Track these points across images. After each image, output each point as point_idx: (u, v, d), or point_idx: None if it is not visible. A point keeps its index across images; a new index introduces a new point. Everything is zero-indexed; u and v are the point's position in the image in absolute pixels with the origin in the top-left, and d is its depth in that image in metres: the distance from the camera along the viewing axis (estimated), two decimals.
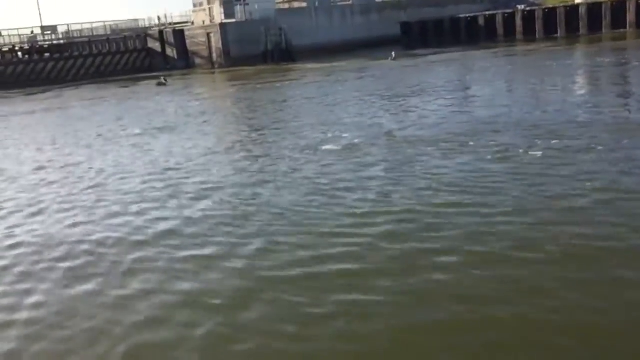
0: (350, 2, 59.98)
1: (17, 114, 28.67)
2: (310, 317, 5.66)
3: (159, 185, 11.10)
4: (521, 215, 7.69)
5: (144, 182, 11.41)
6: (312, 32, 52.80)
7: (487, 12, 50.95)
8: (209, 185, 10.68)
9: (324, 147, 13.01)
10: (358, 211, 8.44)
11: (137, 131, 18.32)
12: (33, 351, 5.56)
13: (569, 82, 21.36)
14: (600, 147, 10.68)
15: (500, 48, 40.23)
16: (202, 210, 9.18)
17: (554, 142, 11.40)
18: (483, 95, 19.53)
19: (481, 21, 48.68)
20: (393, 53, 39.14)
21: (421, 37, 50.83)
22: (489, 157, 10.79)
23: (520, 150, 10.97)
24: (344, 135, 14.37)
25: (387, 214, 8.23)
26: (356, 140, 13.50)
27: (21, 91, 42.95)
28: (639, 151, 10.32)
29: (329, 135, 14.59)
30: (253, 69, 42.48)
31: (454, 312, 5.54)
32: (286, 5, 55.78)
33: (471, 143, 12.00)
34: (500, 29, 47.04)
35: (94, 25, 58.34)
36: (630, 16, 41.62)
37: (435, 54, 39.68)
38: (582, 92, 19.30)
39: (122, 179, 11.92)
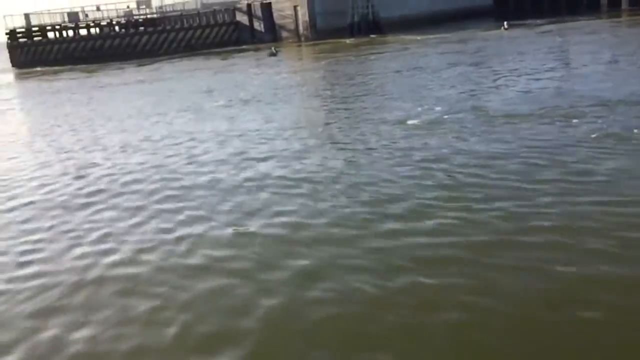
0: None
1: (118, 84, 29.97)
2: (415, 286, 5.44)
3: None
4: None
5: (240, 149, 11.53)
6: (400, 4, 51.53)
7: None
8: (289, 156, 10.61)
9: (410, 122, 12.58)
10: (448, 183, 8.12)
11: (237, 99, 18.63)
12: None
13: None
14: None
15: (618, 18, 37.63)
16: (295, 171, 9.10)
17: None
18: (595, 69, 18.21)
19: None
20: (505, 23, 37.51)
21: (516, 8, 48.50)
22: (593, 135, 10.04)
23: (635, 131, 10.10)
24: (436, 108, 13.88)
25: (480, 187, 7.83)
26: (446, 116, 12.98)
27: (119, 63, 44.86)
28: None
29: (419, 109, 14.13)
30: (340, 41, 42.11)
31: None
32: None
33: (575, 120, 11.21)
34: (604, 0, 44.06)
35: None
36: None
37: (541, 24, 37.63)
38: None
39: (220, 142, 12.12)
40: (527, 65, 20.24)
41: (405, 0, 52.18)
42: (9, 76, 46.45)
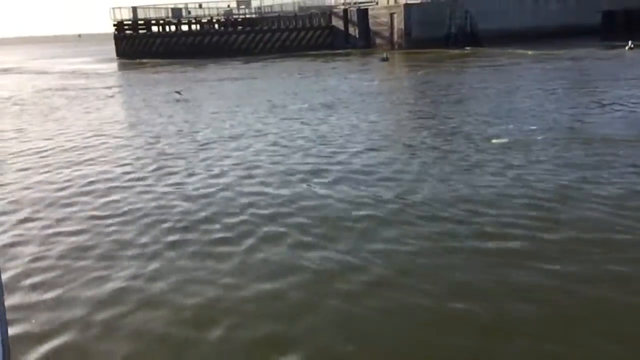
0: None
1: (213, 80, 30.89)
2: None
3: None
4: None
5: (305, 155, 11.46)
6: (500, 16, 49.92)
7: None
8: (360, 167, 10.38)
9: (494, 141, 12.01)
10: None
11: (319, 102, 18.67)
12: None
13: None
14: None
15: None
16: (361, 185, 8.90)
17: None
18: None
19: None
20: (630, 42, 35.43)
21: (625, 28, 45.79)
22: None
23: None
24: (529, 127, 13.22)
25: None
26: (539, 137, 12.31)
27: (217, 60, 46.25)
28: None
29: (510, 126, 13.50)
30: (435, 51, 41.36)
31: None
32: None
33: None
34: None
35: (284, 1, 60.94)
36: None
37: None
38: None
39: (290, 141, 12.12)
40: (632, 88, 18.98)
41: (505, 13, 50.51)
42: (113, 65, 49.04)
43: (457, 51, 41.37)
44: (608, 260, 6.16)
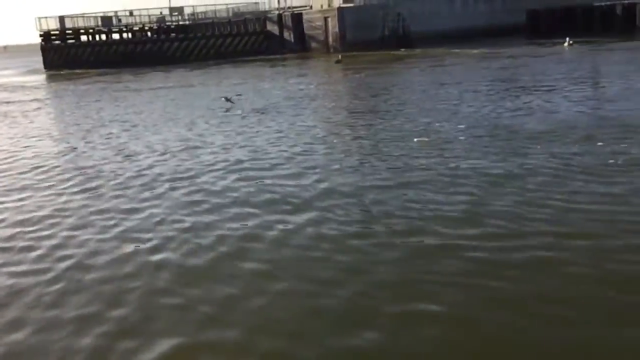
0: None
1: (143, 89, 30.18)
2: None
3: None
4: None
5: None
6: (431, 18, 51.19)
7: (626, 1, 46.80)
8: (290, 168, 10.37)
9: (416, 139, 12.24)
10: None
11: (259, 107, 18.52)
12: None
13: None
14: None
15: None
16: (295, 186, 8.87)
17: None
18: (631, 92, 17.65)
19: (619, 10, 44.81)
20: (568, 39, 36.61)
21: (548, 26, 47.77)
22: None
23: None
24: (452, 125, 13.51)
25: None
26: (461, 136, 12.61)
27: (149, 68, 45.27)
28: None
29: (436, 124, 13.77)
30: (369, 54, 41.90)
31: None
32: None
33: (600, 143, 10.73)
34: None
35: (217, 7, 60.45)
36: None
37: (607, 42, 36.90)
38: None
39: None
40: (562, 83, 19.72)
41: (436, 15, 51.82)
42: (41, 77, 47.27)
43: (384, 53, 42.00)
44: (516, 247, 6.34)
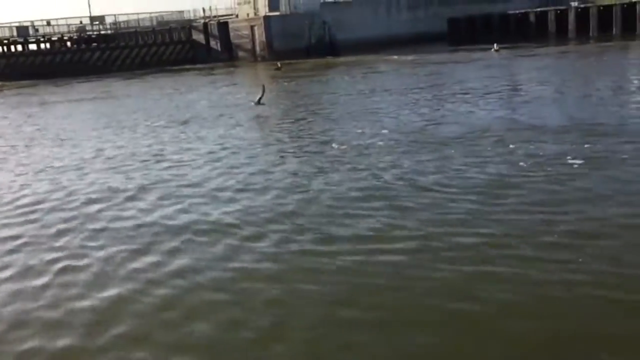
0: None
1: (62, 102, 29.05)
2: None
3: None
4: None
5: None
6: (357, 26, 52.03)
7: (539, 9, 49.22)
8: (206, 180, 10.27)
9: (335, 146, 12.40)
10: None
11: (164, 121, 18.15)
12: None
13: (625, 84, 20.17)
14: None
15: (564, 46, 38.72)
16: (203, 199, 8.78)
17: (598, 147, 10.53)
18: (543, 95, 18.48)
19: (532, 18, 47.02)
20: (496, 45, 37.74)
21: (469, 33, 49.54)
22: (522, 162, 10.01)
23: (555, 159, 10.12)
24: (373, 132, 13.76)
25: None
26: (380, 141, 12.86)
27: (70, 79, 43.63)
28: None
29: (358, 131, 13.98)
30: (300, 61, 42.05)
31: None
32: None
33: (511, 146, 11.21)
34: (552, 27, 45.35)
35: (140, 16, 59.12)
36: None
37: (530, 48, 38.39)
38: (633, 93, 18.14)
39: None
40: (487, 88, 20.37)
41: (361, 23, 52.73)
42: None
43: (311, 61, 42.34)
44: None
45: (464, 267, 6.18)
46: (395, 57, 39.01)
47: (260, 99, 18.81)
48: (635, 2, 42.82)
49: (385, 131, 13.77)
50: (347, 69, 34.69)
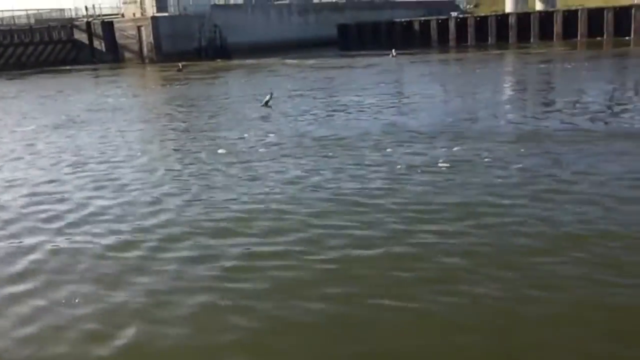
0: (287, 2, 59.60)
1: None
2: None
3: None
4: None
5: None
6: (248, 30, 52.00)
7: (422, 18, 51.59)
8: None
9: (220, 151, 12.28)
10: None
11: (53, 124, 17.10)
12: None
13: (495, 89, 21.56)
14: (503, 159, 10.41)
15: (442, 54, 40.69)
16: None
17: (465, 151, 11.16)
18: (422, 101, 19.27)
19: (416, 26, 49.16)
20: (393, 51, 38.53)
21: (358, 39, 50.94)
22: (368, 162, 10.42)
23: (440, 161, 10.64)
24: (253, 137, 13.75)
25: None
26: (261, 149, 12.90)
27: None
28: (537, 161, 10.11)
29: (244, 135, 13.91)
30: (199, 63, 41.17)
31: None
32: (222, 1, 54.59)
33: (389, 150, 11.61)
34: (434, 35, 47.64)
35: (16, 13, 55.28)
36: (557, 27, 42.95)
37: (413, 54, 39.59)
38: (504, 100, 19.45)
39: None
40: (378, 93, 20.87)
41: (253, 27, 52.70)
42: None
43: (201, 64, 41.69)
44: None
45: (325, 265, 6.29)
46: (295, 61, 39.31)
47: (267, 101, 18.27)
48: (508, 14, 46.04)
49: (272, 135, 13.76)
50: (247, 71, 34.43)
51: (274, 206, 8.35)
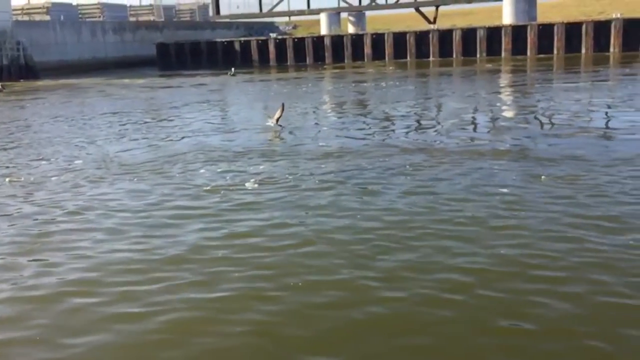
0: (101, 19, 56.98)
1: None
2: None
3: None
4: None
5: None
6: (58, 48, 48.78)
7: (243, 38, 52.29)
8: None
9: (7, 179, 11.37)
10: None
11: None
12: None
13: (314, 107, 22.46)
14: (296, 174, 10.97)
15: (258, 73, 41.39)
16: None
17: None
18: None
19: (237, 46, 49.69)
20: (233, 69, 38.52)
21: (177, 58, 50.19)
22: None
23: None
24: (54, 162, 12.89)
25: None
26: (53, 177, 12.14)
27: None
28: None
29: (42, 162, 12.95)
30: (5, 84, 37.31)
31: None
32: (26, 17, 50.45)
33: (202, 170, 11.53)
34: (255, 55, 48.49)
35: None
36: (367, 49, 45.98)
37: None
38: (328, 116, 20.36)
39: None
40: (201, 113, 20.54)
41: (62, 45, 49.52)
42: None
43: (54, 82, 38.42)
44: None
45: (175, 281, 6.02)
46: (127, 80, 37.75)
47: (278, 119, 15.70)
48: (323, 36, 48.42)
49: (79, 161, 12.92)
50: (52, 93, 32.00)
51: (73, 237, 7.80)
